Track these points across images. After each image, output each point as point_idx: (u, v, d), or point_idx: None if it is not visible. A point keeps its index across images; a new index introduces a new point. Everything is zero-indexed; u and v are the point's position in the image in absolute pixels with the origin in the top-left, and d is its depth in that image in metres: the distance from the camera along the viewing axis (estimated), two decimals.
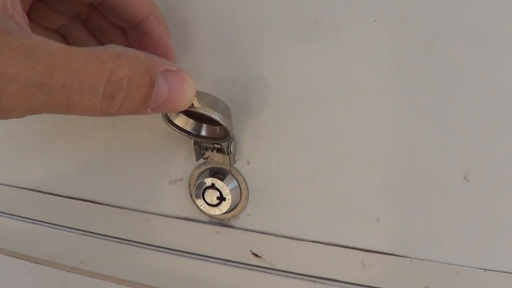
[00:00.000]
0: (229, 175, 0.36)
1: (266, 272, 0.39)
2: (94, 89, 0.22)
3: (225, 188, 0.36)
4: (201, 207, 0.37)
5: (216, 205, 0.36)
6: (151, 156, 0.38)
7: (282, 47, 0.31)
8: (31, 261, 0.48)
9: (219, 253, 0.40)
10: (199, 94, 0.28)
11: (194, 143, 0.35)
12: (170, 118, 0.32)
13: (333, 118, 0.32)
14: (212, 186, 0.36)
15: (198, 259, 0.40)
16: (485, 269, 0.33)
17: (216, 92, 0.32)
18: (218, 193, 0.36)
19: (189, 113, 0.32)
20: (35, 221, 0.46)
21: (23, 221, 0.46)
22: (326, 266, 0.36)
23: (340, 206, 0.34)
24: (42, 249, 0.46)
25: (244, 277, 0.39)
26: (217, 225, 0.38)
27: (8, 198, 0.45)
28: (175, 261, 0.41)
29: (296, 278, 0.38)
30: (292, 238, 0.36)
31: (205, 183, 0.36)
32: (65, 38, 0.31)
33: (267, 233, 0.37)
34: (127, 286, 0.45)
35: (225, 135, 0.32)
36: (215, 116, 0.29)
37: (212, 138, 0.33)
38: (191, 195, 0.38)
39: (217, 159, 0.36)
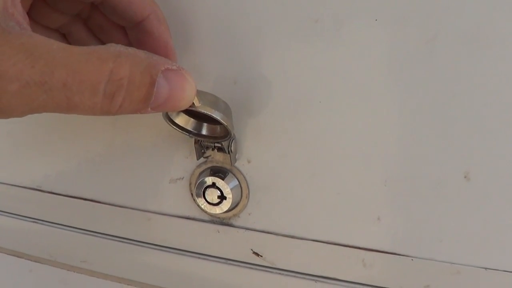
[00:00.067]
0: (230, 174, 0.36)
1: (266, 271, 0.39)
2: (94, 88, 0.22)
3: (225, 187, 0.36)
4: (202, 206, 0.37)
5: (217, 204, 0.36)
6: (152, 155, 0.38)
7: (283, 46, 0.31)
8: (32, 260, 0.48)
9: (220, 252, 0.40)
10: (200, 93, 0.28)
11: (195, 142, 0.35)
12: (171, 117, 0.32)
13: (334, 117, 0.32)
14: (213, 185, 0.36)
15: (199, 258, 0.40)
16: (485, 268, 0.33)
17: (216, 91, 0.32)
18: (218, 192, 0.36)
19: (190, 112, 0.32)
20: (36, 220, 0.46)
21: (24, 220, 0.46)
22: (327, 265, 0.36)
23: (341, 205, 0.34)
24: (43, 248, 0.47)
25: (245, 276, 0.39)
26: (217, 224, 0.38)
27: (9, 197, 0.45)
28: (176, 260, 0.41)
29: (297, 277, 0.38)
30: (292, 237, 0.36)
31: (205, 182, 0.36)
32: (65, 37, 0.31)
33: (268, 232, 0.37)
34: (128, 285, 0.45)
35: (226, 134, 0.32)
36: (216, 115, 0.29)
37: (212, 137, 0.33)
38: (191, 194, 0.38)
39: (217, 158, 0.36)
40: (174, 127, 0.32)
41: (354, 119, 0.32)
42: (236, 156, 0.36)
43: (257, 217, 0.37)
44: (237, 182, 0.36)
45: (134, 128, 0.38)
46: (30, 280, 0.49)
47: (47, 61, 0.22)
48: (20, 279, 0.50)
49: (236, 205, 0.37)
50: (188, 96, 0.26)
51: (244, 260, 0.39)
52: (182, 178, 0.38)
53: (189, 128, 0.33)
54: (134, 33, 0.30)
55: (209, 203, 0.36)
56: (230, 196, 0.36)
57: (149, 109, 0.24)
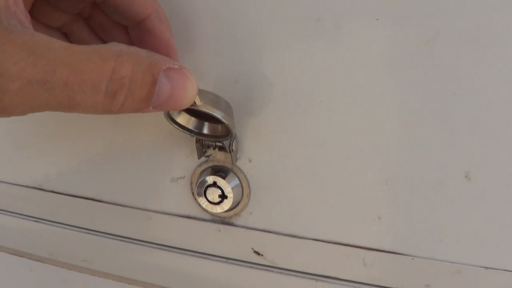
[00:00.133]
0: (231, 173, 0.36)
1: (267, 270, 0.39)
2: (96, 87, 0.22)
3: (227, 186, 0.36)
4: (203, 205, 0.37)
5: (218, 203, 0.36)
6: (153, 154, 0.38)
7: (284, 46, 0.31)
8: (32, 259, 0.48)
9: (220, 251, 0.40)
10: (201, 92, 0.28)
11: (196, 141, 0.35)
12: (172, 116, 0.32)
13: (335, 117, 0.32)
14: (214, 184, 0.36)
15: (200, 257, 0.40)
16: (486, 267, 0.33)
17: (217, 90, 0.32)
18: (220, 191, 0.36)
19: (191, 111, 0.32)
20: (37, 219, 0.46)
21: (25, 219, 0.46)
22: (328, 264, 0.36)
23: (342, 204, 0.34)
24: (44, 247, 0.47)
25: (246, 275, 0.39)
26: (218, 223, 0.39)
27: (10, 196, 0.45)
28: (177, 259, 0.41)
29: (298, 276, 0.38)
30: (293, 236, 0.37)
31: (207, 181, 0.36)
32: (67, 36, 0.31)
33: (269, 231, 0.37)
34: (128, 284, 0.45)
35: (227, 133, 0.32)
36: (217, 114, 0.29)
37: (214, 136, 0.33)
38: (193, 193, 0.38)
39: (219, 157, 0.36)
40: (176, 126, 0.32)
41: (355, 119, 0.32)
42: (237, 155, 0.36)
43: (258, 216, 0.37)
44: (238, 181, 0.36)
45: (135, 127, 0.38)
46: (31, 279, 0.49)
47: (48, 59, 0.22)
48: (21, 278, 0.50)
49: (237, 204, 0.37)
50: (190, 95, 0.26)
51: (245, 259, 0.39)
52: (183, 177, 0.38)
53: (190, 127, 0.33)
54: (136, 32, 0.30)
55: (210, 202, 0.36)
56: (231, 195, 0.36)
57: (151, 108, 0.25)
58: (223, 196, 0.36)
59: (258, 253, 0.38)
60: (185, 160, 0.37)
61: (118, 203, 0.41)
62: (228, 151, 0.34)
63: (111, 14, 0.30)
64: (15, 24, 0.22)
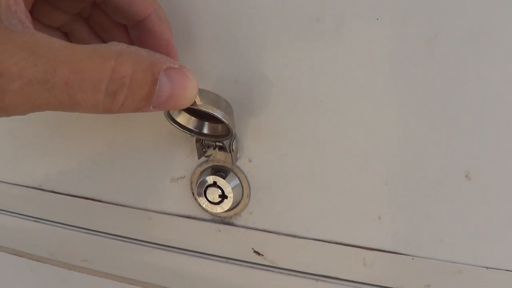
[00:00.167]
0: (231, 173, 0.36)
1: (267, 270, 0.39)
2: (96, 86, 0.22)
3: (227, 186, 0.36)
4: (203, 205, 0.37)
5: (218, 203, 0.36)
6: (153, 154, 0.38)
7: (284, 45, 0.31)
8: (32, 259, 0.48)
9: (220, 251, 0.40)
10: (201, 92, 0.29)
11: (196, 141, 0.35)
12: (172, 116, 0.32)
13: (335, 116, 0.32)
14: (214, 184, 0.36)
15: (200, 257, 0.40)
16: (487, 267, 0.33)
17: (218, 90, 0.32)
18: (220, 191, 0.36)
19: (191, 111, 0.32)
20: (37, 219, 0.46)
21: (24, 219, 0.46)
22: (328, 264, 0.36)
23: (342, 204, 0.34)
24: (44, 247, 0.47)
25: (246, 275, 0.39)
26: (219, 223, 0.38)
27: (10, 196, 0.45)
28: (177, 259, 0.41)
29: (298, 276, 0.38)
30: (293, 236, 0.37)
31: (207, 181, 0.36)
32: (67, 36, 0.31)
33: (269, 231, 0.37)
34: (129, 284, 0.45)
35: (227, 133, 0.32)
36: (217, 113, 0.29)
37: (214, 136, 0.33)
38: (193, 193, 0.38)
39: (219, 157, 0.36)
40: (176, 125, 0.32)
41: (355, 119, 0.32)
42: (237, 155, 0.36)
43: (258, 216, 0.37)
44: (238, 181, 0.36)
45: (135, 127, 0.38)
46: (31, 279, 0.49)
47: (49, 59, 0.22)
48: (21, 278, 0.50)
49: (237, 204, 0.37)
50: (190, 95, 0.26)
51: (245, 259, 0.39)
52: (183, 177, 0.38)
53: (190, 126, 0.33)
54: (136, 31, 0.30)
55: (210, 202, 0.36)
56: (231, 195, 0.36)
57: (151, 107, 0.25)
58: (223, 196, 0.36)
59: (258, 253, 0.38)
60: (185, 160, 0.37)
61: (118, 203, 0.41)
62: (228, 151, 0.34)
63: (111, 14, 0.30)
64: (16, 23, 0.22)
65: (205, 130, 0.33)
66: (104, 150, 0.40)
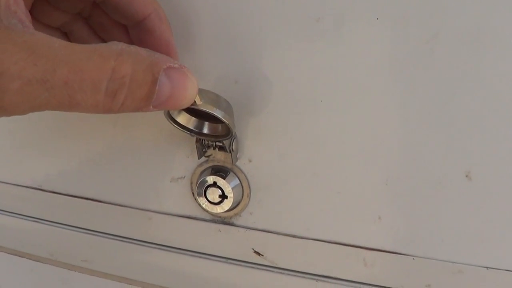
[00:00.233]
0: (231, 173, 0.36)
1: (267, 270, 0.39)
2: (96, 86, 0.22)
3: (227, 186, 0.36)
4: (203, 205, 0.37)
5: (218, 203, 0.36)
6: (153, 154, 0.38)
7: (284, 45, 0.31)
8: (32, 260, 0.48)
9: (221, 251, 0.40)
10: (201, 92, 0.28)
11: (196, 141, 0.35)
12: (172, 115, 0.32)
13: (335, 116, 0.32)
14: (214, 184, 0.36)
15: (200, 257, 0.40)
16: (487, 267, 0.33)
17: (218, 90, 0.32)
18: (220, 191, 0.36)
19: (191, 110, 0.32)
20: (37, 219, 0.46)
21: (25, 219, 0.46)
22: (328, 264, 0.36)
23: (342, 204, 0.34)
24: (44, 248, 0.47)
25: (246, 275, 0.39)
26: (219, 223, 0.38)
27: (10, 196, 0.45)
28: (177, 259, 0.41)
29: (298, 276, 0.38)
30: (294, 236, 0.36)
31: (207, 181, 0.36)
32: (67, 35, 0.31)
33: (269, 231, 0.37)
34: (128, 284, 0.45)
35: (227, 133, 0.32)
36: (217, 113, 0.29)
37: (214, 136, 0.33)
38: (193, 193, 0.38)
39: (219, 157, 0.36)
40: (176, 125, 0.32)
41: (355, 118, 0.32)
42: (238, 155, 0.36)
43: (258, 216, 0.37)
44: (238, 181, 0.36)
45: (135, 127, 0.38)
46: (31, 280, 0.49)
47: (49, 59, 0.22)
48: (21, 278, 0.50)
49: (237, 204, 0.37)
50: (190, 95, 0.26)
51: (245, 260, 0.39)
52: (183, 177, 0.38)
53: (190, 126, 0.33)
54: (136, 31, 0.30)
55: (210, 202, 0.36)
56: (231, 195, 0.36)
57: (151, 107, 0.24)
58: (223, 196, 0.36)
59: (258, 253, 0.38)
60: (185, 160, 0.37)
61: (118, 203, 0.41)
62: (228, 151, 0.34)
63: (111, 14, 0.30)
64: (16, 23, 0.22)
65: (205, 130, 0.33)
66: (104, 150, 0.40)
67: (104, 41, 0.32)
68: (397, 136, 0.31)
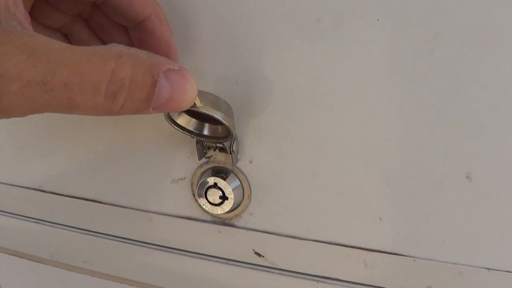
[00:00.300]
0: (232, 174, 0.36)
1: (268, 271, 0.39)
2: (96, 88, 0.22)
3: (227, 187, 0.36)
4: (204, 206, 0.37)
5: (219, 204, 0.36)
6: (153, 155, 0.38)
7: (284, 46, 0.31)
8: (33, 260, 0.48)
9: (221, 252, 0.40)
10: (201, 94, 0.28)
11: (197, 142, 0.35)
12: (172, 117, 0.32)
13: (336, 117, 0.32)
14: (215, 185, 0.36)
15: (201, 258, 0.40)
16: (488, 269, 0.33)
17: (218, 91, 0.32)
18: (220, 192, 0.36)
19: (191, 112, 0.32)
20: (37, 220, 0.46)
21: (25, 220, 0.46)
22: (329, 266, 0.36)
23: (343, 206, 0.34)
24: (44, 249, 0.47)
25: (247, 276, 0.39)
26: (219, 224, 0.38)
27: (10, 197, 0.45)
28: (178, 260, 0.41)
29: (299, 277, 0.38)
30: (294, 237, 0.36)
31: (207, 182, 0.36)
32: (67, 37, 0.31)
33: (270, 232, 0.37)
34: (129, 285, 0.45)
35: (228, 134, 0.32)
36: (217, 115, 0.29)
37: (214, 137, 0.33)
38: (193, 194, 0.38)
39: (219, 158, 0.36)
40: (176, 127, 0.32)
41: (356, 119, 0.32)
42: (238, 157, 0.36)
43: (258, 218, 0.37)
44: (239, 183, 0.36)
45: (136, 129, 0.38)
46: (31, 280, 0.49)
47: (48, 61, 0.22)
48: (21, 279, 0.50)
49: (238, 206, 0.37)
50: (190, 97, 0.26)
51: (246, 261, 0.39)
52: (184, 179, 0.38)
53: (190, 128, 0.32)
54: (136, 33, 0.30)
55: (210, 203, 0.36)
56: (232, 196, 0.36)
57: (151, 109, 0.24)
58: (223, 197, 0.36)
59: (259, 254, 0.38)
60: (185, 161, 0.37)
61: (119, 204, 0.41)
62: (229, 152, 0.34)
63: (111, 15, 0.29)
64: (15, 25, 0.22)
65: (205, 132, 0.33)
66: (105, 151, 0.40)
67: (104, 42, 0.32)
68: (397, 136, 0.31)
